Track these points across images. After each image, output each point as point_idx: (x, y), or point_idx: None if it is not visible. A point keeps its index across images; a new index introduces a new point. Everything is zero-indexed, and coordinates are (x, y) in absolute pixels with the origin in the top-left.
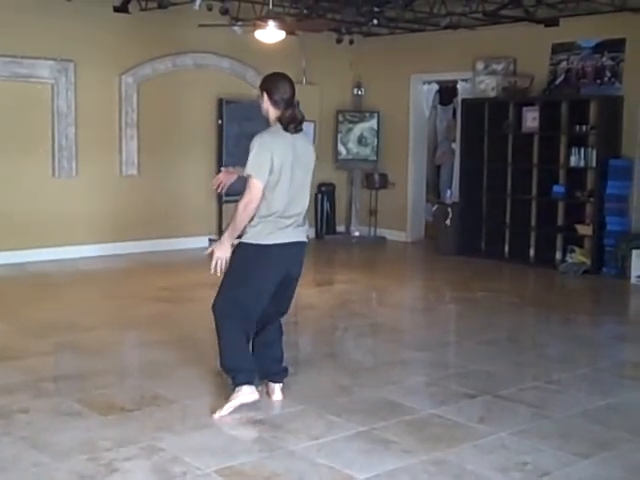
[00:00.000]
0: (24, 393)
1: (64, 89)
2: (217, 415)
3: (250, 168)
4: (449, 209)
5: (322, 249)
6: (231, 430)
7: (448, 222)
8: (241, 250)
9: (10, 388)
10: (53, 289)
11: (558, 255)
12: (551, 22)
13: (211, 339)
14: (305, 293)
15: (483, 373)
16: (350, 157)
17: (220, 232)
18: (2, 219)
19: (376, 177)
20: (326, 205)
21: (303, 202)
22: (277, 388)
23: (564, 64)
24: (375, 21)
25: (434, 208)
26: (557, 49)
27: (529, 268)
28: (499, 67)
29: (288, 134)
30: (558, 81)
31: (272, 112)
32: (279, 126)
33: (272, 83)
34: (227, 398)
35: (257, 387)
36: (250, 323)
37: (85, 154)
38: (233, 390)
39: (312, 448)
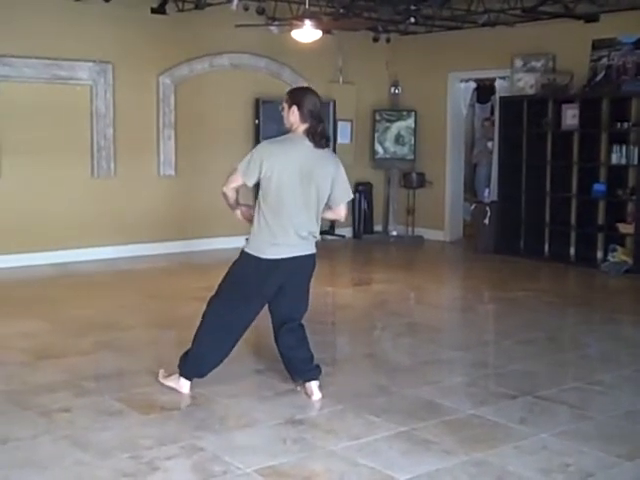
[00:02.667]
0: (65, 392)
1: (102, 90)
2: (160, 375)
3: (239, 163)
4: (487, 208)
5: (359, 248)
6: (271, 430)
7: (486, 221)
8: (240, 257)
9: (52, 387)
10: (93, 288)
11: (599, 254)
12: (591, 18)
13: (250, 338)
14: (342, 293)
15: (523, 373)
16: (387, 156)
17: None
18: (43, 219)
19: (413, 176)
20: (364, 204)
21: (306, 218)
22: (314, 386)
23: (604, 60)
24: (412, 19)
25: (472, 207)
26: (597, 45)
27: (569, 267)
28: (538, 64)
29: (306, 147)
30: (598, 78)
31: (300, 125)
32: (295, 137)
33: (303, 96)
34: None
35: (296, 388)
36: (231, 330)
37: (123, 155)
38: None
39: (352, 448)
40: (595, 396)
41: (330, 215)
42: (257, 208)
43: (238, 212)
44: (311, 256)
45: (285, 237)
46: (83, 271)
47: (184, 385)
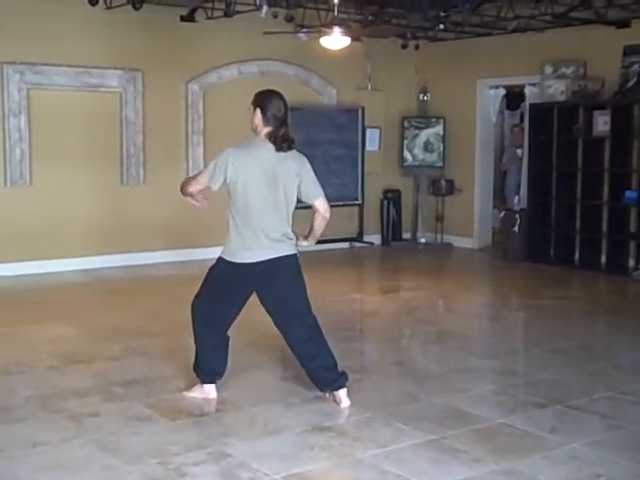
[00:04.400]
0: (94, 397)
1: (132, 98)
2: (185, 393)
3: (206, 167)
4: (517, 215)
5: (388, 256)
6: (298, 437)
7: (516, 229)
8: (217, 262)
9: (81, 392)
10: (122, 295)
11: (631, 262)
12: (622, 24)
13: (278, 345)
14: (371, 300)
15: (553, 382)
16: (416, 163)
17: None
18: (73, 226)
19: (442, 183)
20: (392, 212)
21: (277, 220)
22: (342, 394)
23: (636, 67)
24: (441, 26)
25: (501, 214)
26: (629, 51)
27: (600, 275)
28: (568, 70)
29: (268, 150)
30: (630, 84)
31: (263, 129)
32: (259, 141)
33: (266, 100)
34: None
35: (324, 395)
36: (220, 325)
37: (152, 162)
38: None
39: (380, 456)
40: (627, 406)
41: (317, 220)
42: (229, 214)
43: (193, 201)
44: (288, 257)
45: (256, 241)
46: (112, 277)
47: (209, 390)
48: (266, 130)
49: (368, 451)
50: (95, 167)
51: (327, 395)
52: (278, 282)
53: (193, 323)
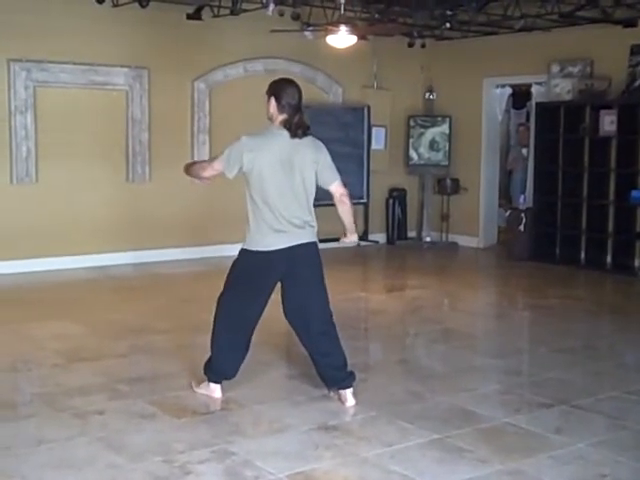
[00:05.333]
0: (100, 394)
1: (138, 96)
2: (193, 386)
3: (221, 154)
4: (523, 214)
5: (393, 254)
6: (303, 435)
7: (522, 228)
8: (240, 255)
9: (86, 389)
10: (129, 292)
11: (637, 262)
12: (630, 23)
13: (284, 344)
14: (376, 298)
15: (559, 382)
16: (422, 162)
17: None
18: (78, 223)
19: (448, 182)
20: (397, 210)
21: (296, 206)
22: (348, 394)
23: None
24: (448, 25)
25: (507, 214)
26: (636, 50)
27: (606, 275)
28: (575, 69)
29: (284, 137)
30: (637, 83)
31: (278, 117)
32: (274, 129)
33: (280, 88)
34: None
35: (329, 394)
36: (243, 325)
37: (158, 159)
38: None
39: (385, 455)
40: (633, 406)
41: (339, 209)
42: (248, 204)
43: (197, 180)
44: (311, 244)
45: (276, 228)
46: (117, 275)
47: (215, 389)
48: (281, 118)
49: (373, 450)
50: (101, 164)
51: (332, 394)
52: (298, 270)
53: (214, 320)
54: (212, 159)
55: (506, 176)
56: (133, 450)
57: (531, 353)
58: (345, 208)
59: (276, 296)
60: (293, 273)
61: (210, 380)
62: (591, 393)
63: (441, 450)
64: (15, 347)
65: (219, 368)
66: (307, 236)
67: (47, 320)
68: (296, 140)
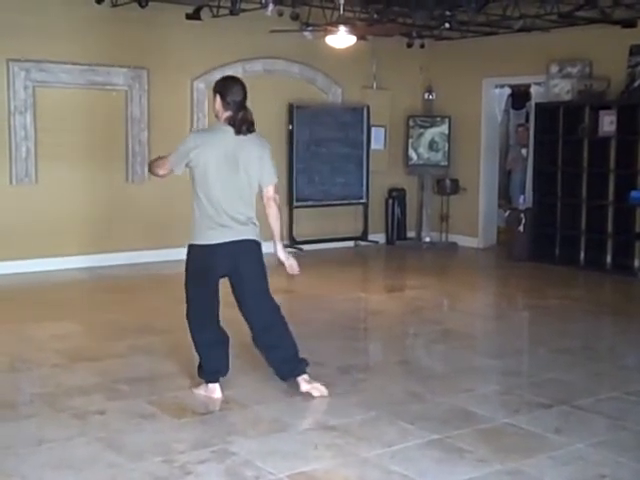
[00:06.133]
0: (99, 394)
1: (137, 95)
2: (193, 389)
3: (172, 152)
4: (522, 215)
5: (393, 254)
6: (303, 435)
7: (521, 228)
8: (188, 251)
9: (86, 389)
10: (127, 292)
11: (636, 262)
12: (629, 23)
13: None
14: (375, 299)
15: (558, 382)
16: (421, 162)
17: (291, 237)
18: (77, 224)
19: (447, 182)
20: (397, 210)
21: (240, 203)
22: (301, 381)
23: None
24: (447, 25)
25: (506, 214)
26: (635, 51)
27: (606, 275)
28: (574, 70)
29: (228, 134)
30: (636, 84)
31: (223, 114)
32: (220, 126)
33: (224, 86)
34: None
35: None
36: (210, 319)
37: None
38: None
39: (385, 455)
40: (632, 406)
41: (268, 212)
42: (193, 199)
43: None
44: (251, 241)
45: (220, 222)
46: (117, 275)
47: (213, 389)
48: (226, 114)
49: (373, 450)
50: (100, 165)
51: (303, 389)
52: (242, 266)
53: (187, 322)
54: (166, 155)
55: (505, 176)
56: (133, 450)
57: (530, 353)
58: (271, 212)
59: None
60: (236, 270)
61: (207, 381)
62: (591, 393)
63: (441, 450)
64: (15, 347)
65: (208, 366)
66: (249, 233)
67: (46, 320)
68: (241, 137)
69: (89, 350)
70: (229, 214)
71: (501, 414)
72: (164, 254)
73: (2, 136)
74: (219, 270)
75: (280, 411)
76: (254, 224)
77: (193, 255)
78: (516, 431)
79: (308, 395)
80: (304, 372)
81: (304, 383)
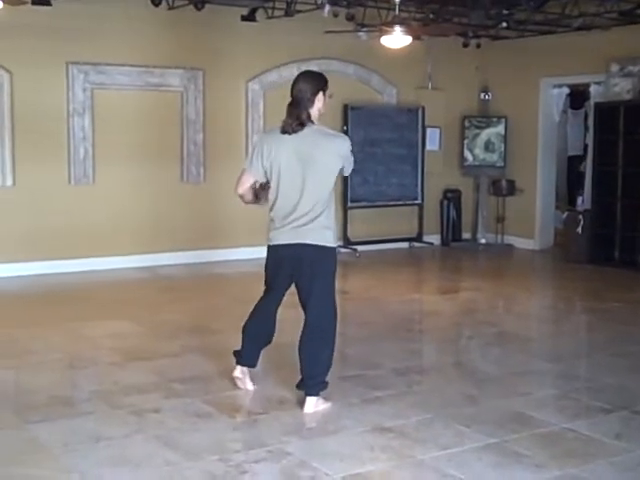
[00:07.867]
0: (155, 393)
1: (193, 97)
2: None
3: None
4: (580, 216)
5: (448, 256)
6: (358, 437)
7: (579, 230)
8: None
9: (142, 388)
10: (183, 292)
11: None
12: None
13: (337, 344)
14: (430, 300)
15: (618, 387)
16: (477, 163)
17: (345, 238)
18: (134, 224)
19: (503, 183)
20: (452, 212)
21: (307, 201)
22: (306, 401)
23: None
24: (504, 24)
25: (564, 215)
26: None
27: None
28: (635, 69)
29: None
30: None
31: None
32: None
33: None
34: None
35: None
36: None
37: (212, 160)
38: None
39: (441, 458)
40: None
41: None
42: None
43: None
44: (319, 248)
45: (285, 223)
46: (173, 274)
47: (236, 367)
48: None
49: (429, 453)
50: (156, 165)
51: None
52: (305, 271)
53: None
54: (239, 176)
55: (561, 176)
56: (189, 448)
57: (589, 357)
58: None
59: None
60: (297, 274)
61: (236, 361)
62: None
63: (498, 454)
64: (72, 345)
65: (240, 350)
66: (315, 238)
67: (103, 319)
68: (306, 132)
69: (144, 349)
70: (296, 215)
71: (559, 418)
72: (220, 254)
73: (61, 138)
74: (284, 271)
75: (335, 412)
76: (326, 227)
77: (268, 254)
78: (575, 436)
79: (364, 397)
80: (311, 394)
81: (308, 404)
